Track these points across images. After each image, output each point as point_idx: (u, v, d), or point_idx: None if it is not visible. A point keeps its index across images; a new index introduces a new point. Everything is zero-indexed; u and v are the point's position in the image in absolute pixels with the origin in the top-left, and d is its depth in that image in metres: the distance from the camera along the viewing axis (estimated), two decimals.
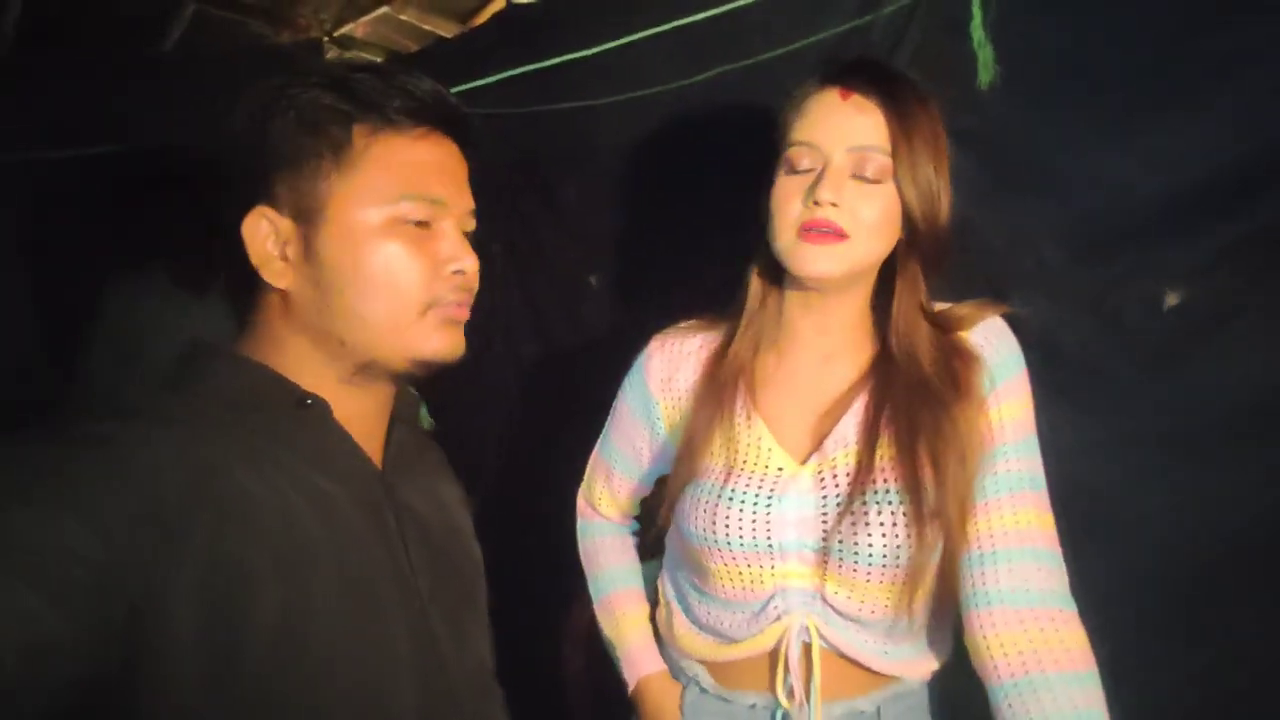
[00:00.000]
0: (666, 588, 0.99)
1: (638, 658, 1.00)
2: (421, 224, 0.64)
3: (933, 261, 0.83)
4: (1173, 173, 0.88)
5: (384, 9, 2.20)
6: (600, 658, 1.08)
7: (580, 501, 1.09)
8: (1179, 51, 0.87)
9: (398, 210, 0.63)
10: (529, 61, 1.39)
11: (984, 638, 0.76)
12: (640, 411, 0.99)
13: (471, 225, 0.69)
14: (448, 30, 2.27)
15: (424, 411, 1.72)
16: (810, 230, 0.80)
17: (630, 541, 1.09)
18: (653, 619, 1.03)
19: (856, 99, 0.80)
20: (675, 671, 0.98)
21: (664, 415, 0.97)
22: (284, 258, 0.63)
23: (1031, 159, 0.97)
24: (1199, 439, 0.89)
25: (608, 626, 1.04)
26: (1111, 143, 0.92)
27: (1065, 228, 0.95)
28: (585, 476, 1.08)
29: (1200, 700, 0.91)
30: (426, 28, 2.30)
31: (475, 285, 0.69)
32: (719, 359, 0.92)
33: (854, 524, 0.79)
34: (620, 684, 1.02)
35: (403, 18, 2.25)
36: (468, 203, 0.68)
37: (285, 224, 0.63)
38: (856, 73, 0.82)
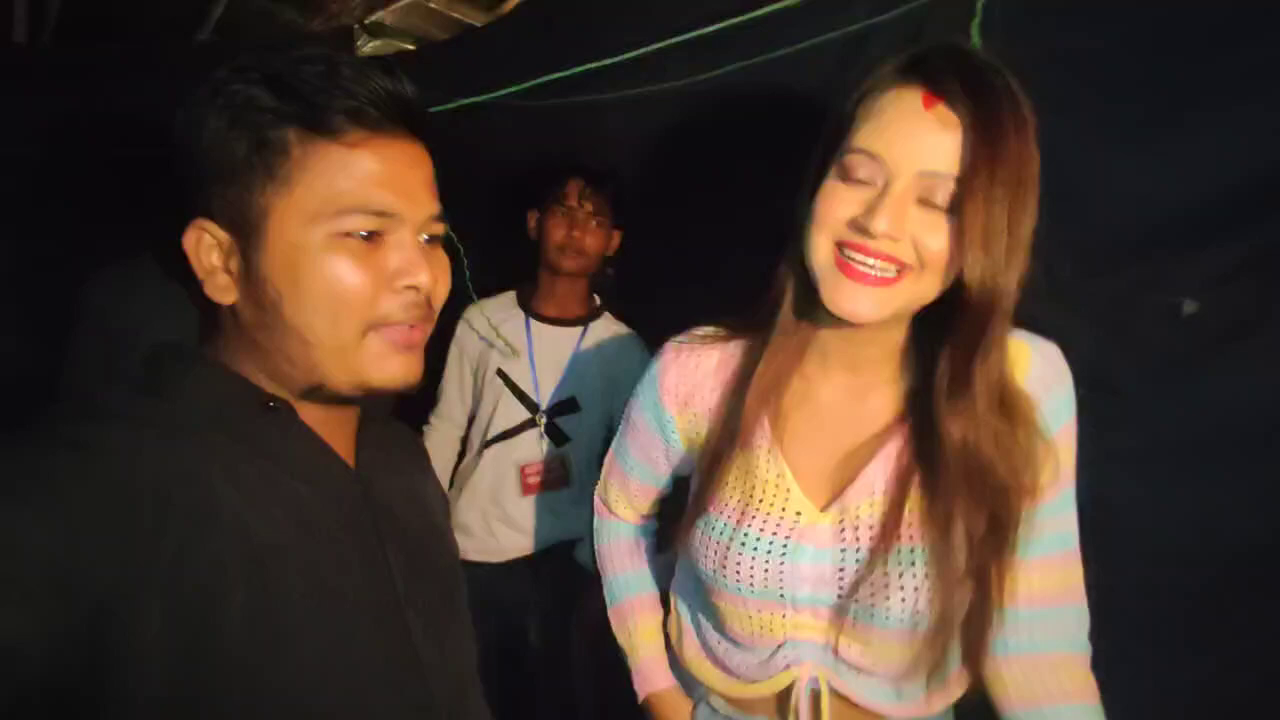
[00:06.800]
0: (679, 604, 0.96)
1: (649, 671, 0.98)
2: (371, 235, 0.59)
3: (977, 319, 0.68)
4: (1189, 184, 0.86)
5: None
6: (611, 654, 1.07)
7: (597, 500, 1.07)
8: (1199, 61, 0.85)
9: (340, 225, 0.57)
10: (550, 57, 1.40)
11: (998, 675, 0.79)
12: (654, 424, 0.92)
13: (438, 230, 0.63)
14: (475, 18, 2.27)
15: None
16: (854, 260, 0.68)
17: (646, 543, 1.07)
18: (665, 625, 1.01)
19: (942, 110, 0.65)
20: (686, 685, 0.96)
21: (679, 430, 0.90)
22: (229, 271, 0.59)
23: (1044, 166, 0.95)
24: (1211, 452, 0.88)
25: (620, 634, 1.02)
26: (1126, 152, 0.89)
27: (1077, 237, 0.93)
28: (602, 476, 1.05)
29: (1201, 707, 0.92)
30: (455, 15, 2.31)
31: (437, 298, 0.63)
32: (741, 381, 0.82)
33: (873, 587, 0.74)
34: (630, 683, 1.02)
35: (431, 5, 2.26)
36: (428, 208, 0.61)
37: (225, 238, 0.59)
38: (947, 74, 0.66)
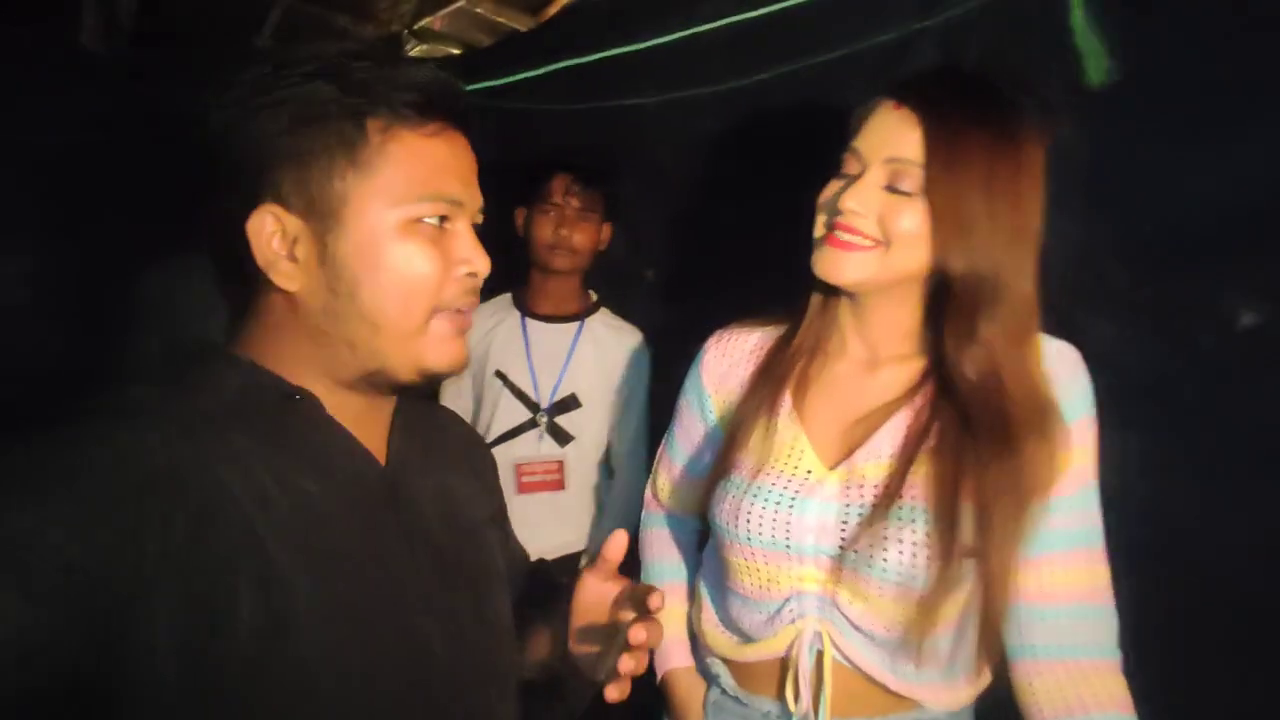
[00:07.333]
0: (702, 585, 1.01)
1: (669, 650, 1.02)
2: (442, 221, 0.62)
3: (963, 295, 0.78)
4: (1247, 186, 0.84)
5: (460, 3, 2.25)
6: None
7: (647, 493, 1.12)
8: (1259, 60, 0.82)
9: (417, 210, 0.60)
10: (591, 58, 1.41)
11: (1029, 684, 0.81)
12: (696, 406, 1.01)
13: (481, 220, 0.67)
14: (520, 23, 2.31)
15: None
16: (836, 233, 0.80)
17: (685, 537, 1.10)
18: (690, 614, 1.03)
19: (905, 111, 0.79)
20: (702, 669, 1.00)
21: (715, 409, 0.98)
22: (292, 258, 0.60)
23: (1095, 170, 0.93)
24: (1270, 463, 0.85)
25: None
26: (1180, 154, 0.88)
27: (1130, 243, 0.91)
28: (653, 469, 1.11)
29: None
30: (500, 20, 2.35)
31: (480, 287, 0.66)
32: (774, 357, 0.93)
33: (872, 537, 0.79)
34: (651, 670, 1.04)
35: (478, 11, 2.30)
36: (479, 199, 0.65)
37: (294, 223, 0.59)
38: (912, 84, 0.81)
